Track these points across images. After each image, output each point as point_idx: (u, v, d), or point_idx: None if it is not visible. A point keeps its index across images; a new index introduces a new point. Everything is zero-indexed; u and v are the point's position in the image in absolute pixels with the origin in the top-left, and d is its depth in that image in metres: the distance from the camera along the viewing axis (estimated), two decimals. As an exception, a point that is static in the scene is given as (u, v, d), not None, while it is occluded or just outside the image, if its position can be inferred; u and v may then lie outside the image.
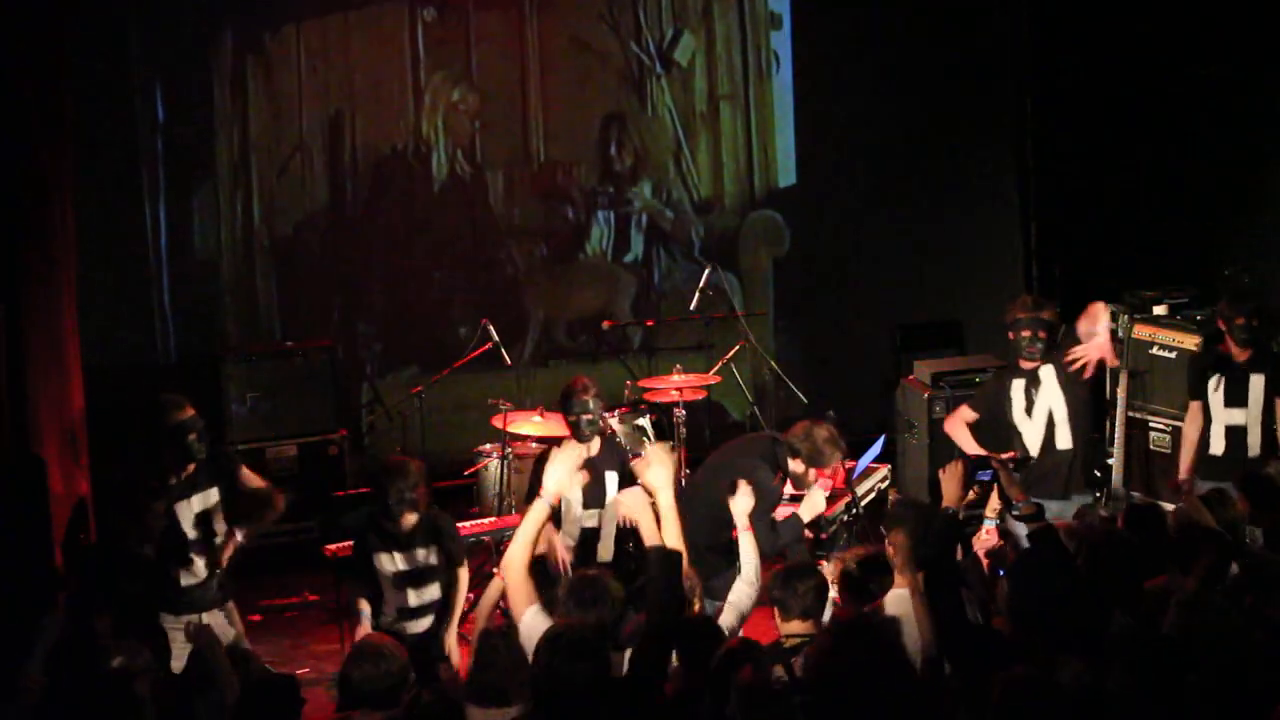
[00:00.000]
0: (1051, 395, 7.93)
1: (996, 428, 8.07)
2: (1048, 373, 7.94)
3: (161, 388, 9.99)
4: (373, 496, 7.03)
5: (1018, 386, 7.99)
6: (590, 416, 7.43)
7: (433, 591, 7.01)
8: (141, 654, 5.82)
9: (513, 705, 5.40)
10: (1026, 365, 7.98)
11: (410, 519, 6.90)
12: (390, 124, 11.16)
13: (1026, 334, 7.91)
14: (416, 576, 6.97)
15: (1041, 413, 7.94)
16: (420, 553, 6.97)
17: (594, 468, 7.42)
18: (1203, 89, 10.86)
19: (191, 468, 7.04)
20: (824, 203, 12.03)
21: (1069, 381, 7.93)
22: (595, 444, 7.54)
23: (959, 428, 8.10)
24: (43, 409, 8.40)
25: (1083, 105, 11.68)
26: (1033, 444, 7.95)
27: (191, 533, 7.04)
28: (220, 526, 7.12)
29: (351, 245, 11.18)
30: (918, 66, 11.90)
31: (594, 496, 7.50)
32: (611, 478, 7.57)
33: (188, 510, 7.03)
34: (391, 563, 6.94)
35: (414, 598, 6.97)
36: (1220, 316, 8.32)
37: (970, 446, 7.91)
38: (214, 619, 7.04)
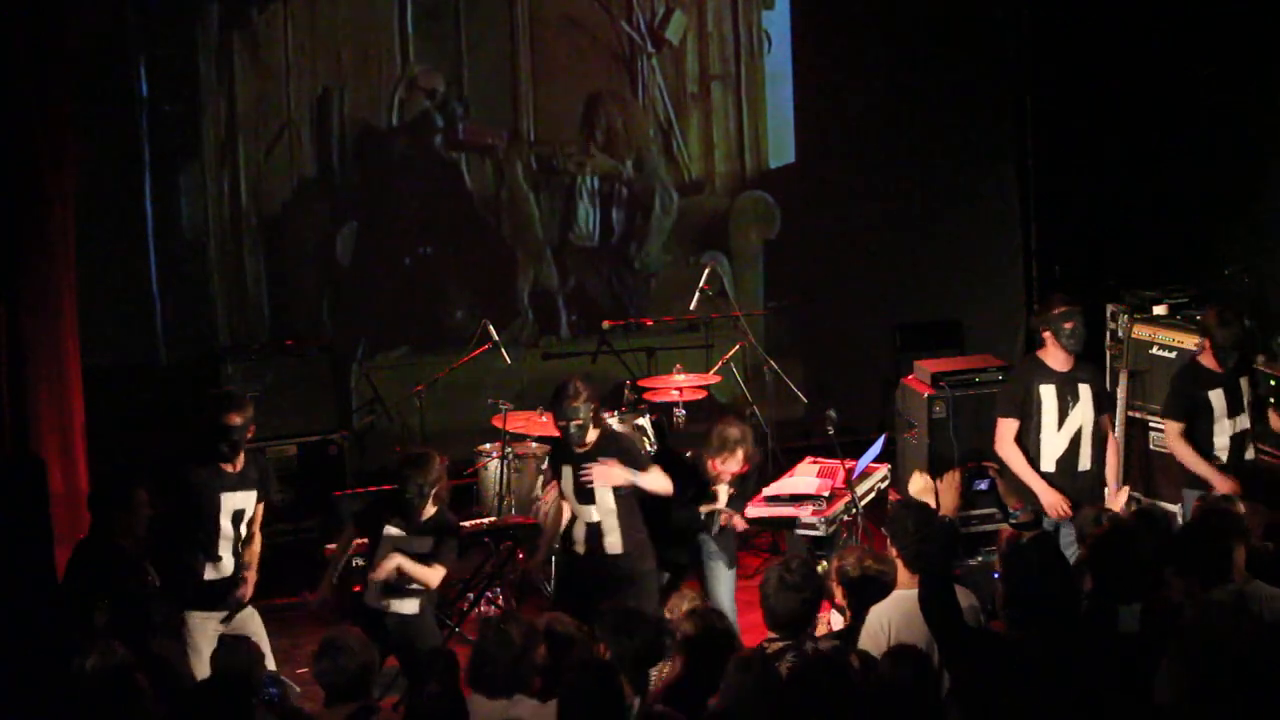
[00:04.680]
0: (1085, 411, 7.78)
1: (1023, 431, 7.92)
2: (1085, 389, 7.78)
3: (161, 388, 10.24)
4: (395, 487, 7.29)
5: (1049, 393, 7.81)
6: (579, 422, 7.39)
7: None
8: (115, 653, 5.85)
9: (514, 696, 5.53)
10: (1061, 366, 7.80)
11: (429, 511, 7.19)
12: (379, 102, 11.06)
13: (1069, 325, 7.72)
14: (416, 560, 7.13)
15: (1071, 427, 7.79)
16: (420, 541, 7.19)
17: (585, 464, 7.46)
18: (1203, 89, 10.85)
19: (241, 463, 7.29)
20: (819, 190, 11.97)
21: (1099, 399, 7.79)
22: (590, 439, 7.50)
23: (1009, 448, 7.84)
24: (43, 409, 8.42)
25: (1083, 105, 11.67)
26: (1050, 459, 7.78)
27: (226, 526, 7.27)
28: (245, 532, 7.34)
29: (340, 224, 11.06)
30: (916, 68, 11.86)
31: (584, 492, 7.48)
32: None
33: (230, 503, 7.25)
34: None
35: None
36: (1207, 331, 8.02)
37: (1027, 473, 7.70)
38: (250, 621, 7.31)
